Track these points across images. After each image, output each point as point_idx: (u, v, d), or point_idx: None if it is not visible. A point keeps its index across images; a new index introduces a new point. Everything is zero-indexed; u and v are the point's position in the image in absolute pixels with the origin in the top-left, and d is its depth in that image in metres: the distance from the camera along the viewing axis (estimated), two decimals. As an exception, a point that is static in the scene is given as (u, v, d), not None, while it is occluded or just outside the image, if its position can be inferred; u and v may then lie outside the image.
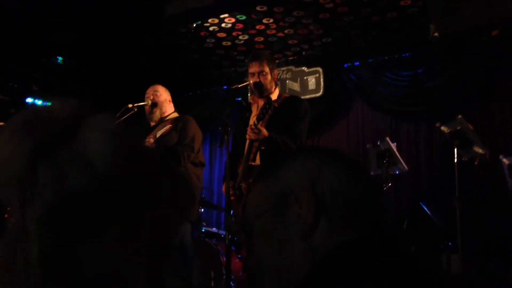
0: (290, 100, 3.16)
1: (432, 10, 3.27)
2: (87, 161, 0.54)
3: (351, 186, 0.87)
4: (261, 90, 3.15)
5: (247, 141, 2.98)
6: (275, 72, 3.21)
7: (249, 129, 2.87)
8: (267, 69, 3.16)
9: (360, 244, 0.83)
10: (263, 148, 2.86)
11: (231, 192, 3.11)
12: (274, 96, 3.15)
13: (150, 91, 3.74)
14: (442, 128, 3.21)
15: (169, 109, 3.74)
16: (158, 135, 3.31)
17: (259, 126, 2.80)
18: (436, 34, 3.15)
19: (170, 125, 3.37)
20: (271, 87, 3.19)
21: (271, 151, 2.85)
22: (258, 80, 3.13)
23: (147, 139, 3.34)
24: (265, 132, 2.82)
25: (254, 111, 3.20)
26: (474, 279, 4.09)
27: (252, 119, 3.11)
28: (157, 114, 3.68)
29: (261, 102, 3.14)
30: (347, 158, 0.91)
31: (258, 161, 2.96)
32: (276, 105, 3.03)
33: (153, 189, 0.60)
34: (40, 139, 0.55)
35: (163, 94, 3.74)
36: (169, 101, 3.77)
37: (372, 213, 0.87)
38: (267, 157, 2.88)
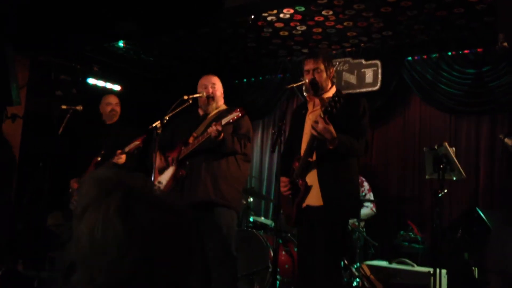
0: (347, 99, 2.99)
1: (503, 20, 3.09)
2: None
3: None
4: (316, 87, 3.09)
5: (307, 137, 2.93)
6: (331, 70, 3.12)
7: (314, 123, 2.76)
8: (322, 67, 3.09)
9: None
10: (330, 147, 2.78)
11: (286, 188, 3.10)
12: (330, 94, 3.06)
13: (207, 82, 3.71)
14: (506, 140, 3.05)
15: (220, 102, 3.78)
16: (223, 123, 3.31)
17: (327, 124, 2.69)
18: (505, 44, 2.99)
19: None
20: (327, 85, 3.12)
21: (330, 149, 2.79)
22: (312, 77, 3.07)
23: (212, 125, 3.32)
24: (333, 131, 2.73)
25: (310, 109, 3.14)
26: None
27: (309, 117, 3.06)
28: (213, 107, 3.70)
29: (317, 100, 3.08)
30: None
31: (314, 157, 2.91)
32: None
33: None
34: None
35: (220, 88, 3.77)
36: (222, 93, 3.80)
37: None
38: (324, 154, 2.82)
